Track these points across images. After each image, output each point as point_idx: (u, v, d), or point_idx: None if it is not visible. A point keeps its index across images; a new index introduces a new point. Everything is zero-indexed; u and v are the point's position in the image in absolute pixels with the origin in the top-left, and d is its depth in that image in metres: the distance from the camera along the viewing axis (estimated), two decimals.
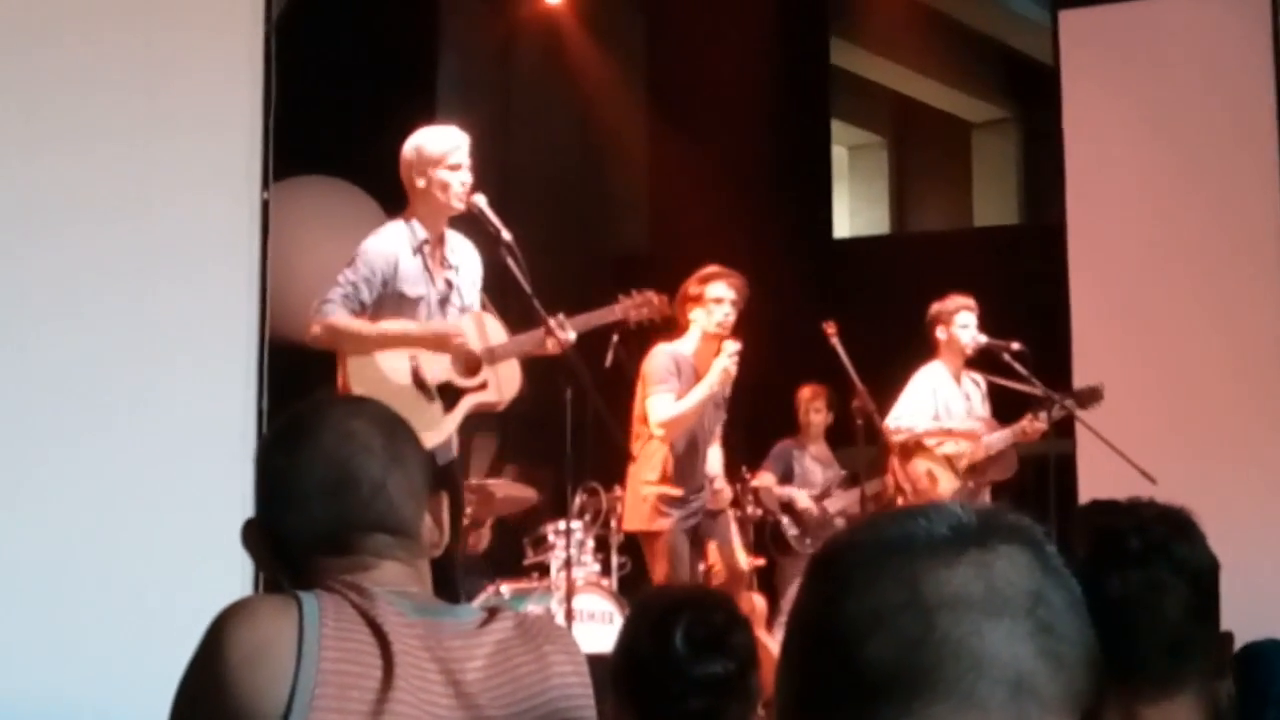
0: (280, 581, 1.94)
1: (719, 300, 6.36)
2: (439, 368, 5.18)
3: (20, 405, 4.16)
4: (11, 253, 4.21)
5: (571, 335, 5.23)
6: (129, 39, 4.48)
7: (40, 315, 4.24)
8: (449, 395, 5.18)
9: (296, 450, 1.93)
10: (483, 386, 5.22)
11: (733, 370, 6.31)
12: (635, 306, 5.62)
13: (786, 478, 8.06)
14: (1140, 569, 1.84)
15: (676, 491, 6.34)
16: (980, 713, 0.95)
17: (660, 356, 6.34)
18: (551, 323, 5.18)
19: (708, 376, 6.31)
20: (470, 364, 5.21)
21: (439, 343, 5.17)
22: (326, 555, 1.89)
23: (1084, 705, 0.99)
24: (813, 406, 8.24)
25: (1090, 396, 6.86)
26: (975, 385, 7.22)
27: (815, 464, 8.18)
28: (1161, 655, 1.83)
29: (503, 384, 5.23)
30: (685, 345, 6.41)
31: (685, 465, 6.40)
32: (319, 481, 1.90)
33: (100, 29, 4.42)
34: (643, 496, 6.34)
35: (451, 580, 5.18)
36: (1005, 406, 7.17)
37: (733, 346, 6.29)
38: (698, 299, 6.39)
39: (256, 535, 1.96)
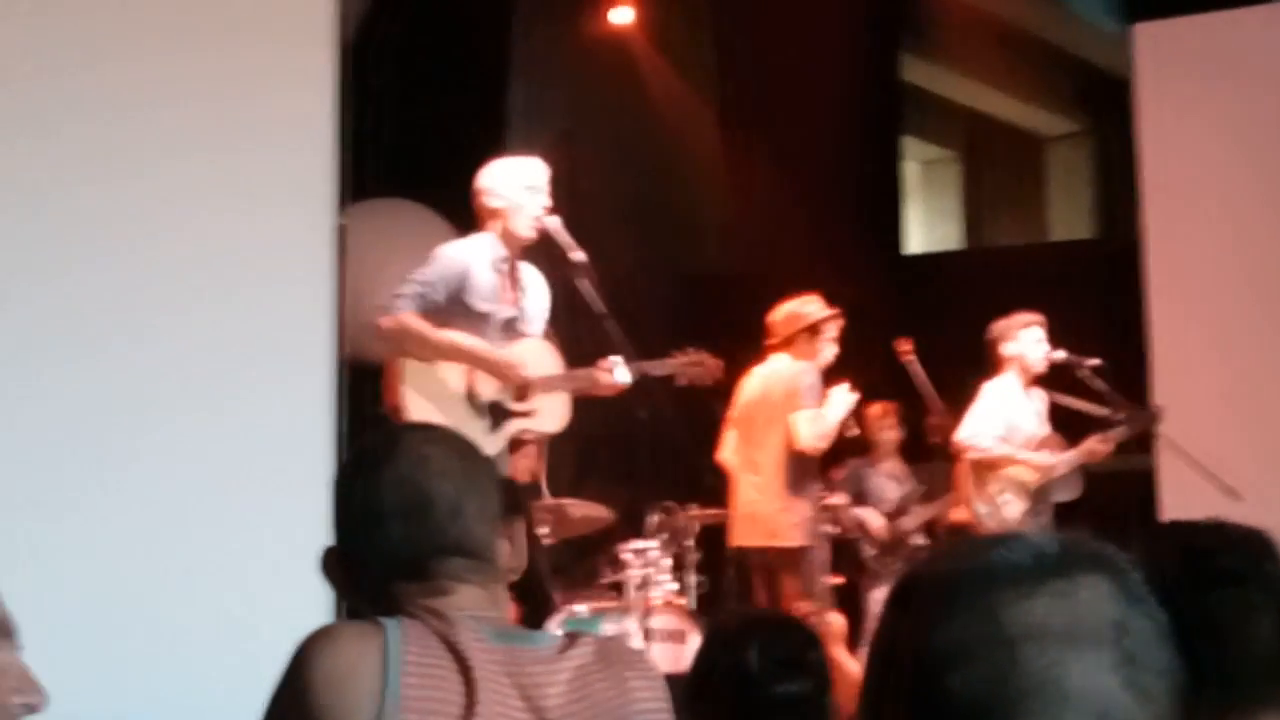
0: (360, 608, 1.95)
1: (832, 341, 6.43)
2: (491, 386, 5.16)
3: (93, 427, 4.13)
4: (88, 270, 4.18)
5: (626, 378, 5.19)
6: (206, 62, 4.50)
7: (112, 334, 4.20)
8: (496, 415, 5.18)
9: (374, 475, 1.94)
10: (531, 413, 5.21)
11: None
12: (688, 364, 5.49)
13: (859, 497, 7.97)
14: (1235, 588, 1.82)
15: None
16: None
17: (813, 376, 6.39)
18: (603, 363, 5.17)
19: (835, 411, 6.35)
20: (522, 389, 5.19)
21: (497, 370, 5.14)
22: (404, 580, 1.90)
23: None
24: (883, 424, 8.16)
25: (1150, 419, 6.79)
26: (1038, 402, 7.12)
27: (889, 481, 8.09)
28: (1254, 675, 1.80)
29: (551, 413, 5.22)
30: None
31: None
32: (397, 505, 1.91)
33: (179, 49, 4.43)
34: (804, 512, 6.40)
35: (545, 599, 5.13)
36: (1067, 424, 7.07)
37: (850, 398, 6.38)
38: (818, 331, 6.43)
39: (335, 562, 1.97)
